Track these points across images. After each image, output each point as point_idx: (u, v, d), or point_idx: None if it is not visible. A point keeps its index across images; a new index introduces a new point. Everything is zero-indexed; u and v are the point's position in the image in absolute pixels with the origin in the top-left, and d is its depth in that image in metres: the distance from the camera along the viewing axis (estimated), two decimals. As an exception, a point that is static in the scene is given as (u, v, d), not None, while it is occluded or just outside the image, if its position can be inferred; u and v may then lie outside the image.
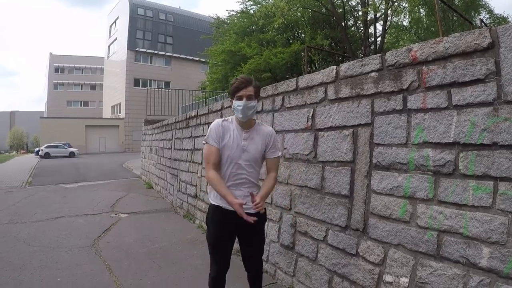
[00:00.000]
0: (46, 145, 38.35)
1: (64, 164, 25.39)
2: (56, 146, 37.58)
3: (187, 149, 7.16)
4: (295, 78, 3.54)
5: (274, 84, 3.88)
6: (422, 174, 2.30)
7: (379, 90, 2.63)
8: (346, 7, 16.74)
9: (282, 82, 3.80)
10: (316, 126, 3.21)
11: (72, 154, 36.77)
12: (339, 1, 16.76)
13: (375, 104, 2.66)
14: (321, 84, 3.19)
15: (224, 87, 19.21)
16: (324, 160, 3.10)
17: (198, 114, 6.65)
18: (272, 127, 3.88)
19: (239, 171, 2.48)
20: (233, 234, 2.58)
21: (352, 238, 2.79)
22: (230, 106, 5.09)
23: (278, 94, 3.80)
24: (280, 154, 2.66)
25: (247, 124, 2.52)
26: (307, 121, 3.32)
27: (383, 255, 2.51)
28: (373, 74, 2.69)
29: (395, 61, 2.51)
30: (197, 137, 6.59)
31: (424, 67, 2.31)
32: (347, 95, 2.90)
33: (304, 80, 3.40)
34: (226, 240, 2.55)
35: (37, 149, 44.21)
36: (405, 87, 2.43)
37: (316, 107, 3.23)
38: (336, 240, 2.94)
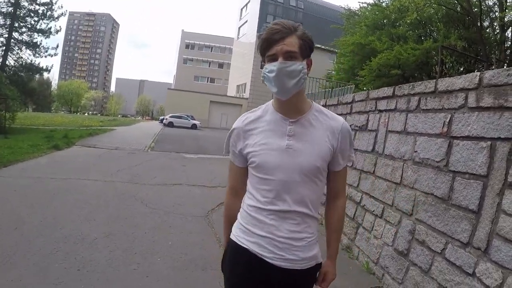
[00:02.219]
0: (170, 114, 43.17)
1: (186, 135, 28.22)
2: (180, 117, 42.02)
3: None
4: (434, 80, 3.70)
5: (411, 84, 4.07)
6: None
7: (525, 103, 2.68)
8: (482, 6, 15.91)
9: (420, 82, 3.97)
10: (451, 133, 3.34)
11: (194, 126, 40.80)
12: (475, 0, 16.04)
13: (518, 118, 2.71)
14: (461, 89, 3.30)
15: (350, 78, 19.83)
16: (456, 170, 3.23)
17: (327, 104, 7.04)
18: (405, 128, 4.08)
19: (283, 192, 1.59)
20: None
21: (471, 257, 2.91)
22: (363, 100, 5.37)
23: (414, 95, 3.98)
24: (351, 162, 1.81)
25: (293, 108, 1.65)
26: (443, 126, 3.46)
27: (501, 281, 2.60)
28: (520, 85, 2.73)
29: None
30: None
31: None
32: (488, 105, 2.97)
33: (444, 83, 3.53)
34: None
35: (161, 117, 50.16)
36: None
37: (454, 113, 3.35)
38: (454, 255, 3.08)
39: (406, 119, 4.07)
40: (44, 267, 3.75)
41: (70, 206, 6.12)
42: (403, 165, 4.06)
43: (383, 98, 4.78)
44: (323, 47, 42.17)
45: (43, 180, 7.92)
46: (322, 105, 7.24)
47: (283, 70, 1.52)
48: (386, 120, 4.60)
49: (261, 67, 1.63)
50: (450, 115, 3.41)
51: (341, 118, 1.73)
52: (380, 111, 4.84)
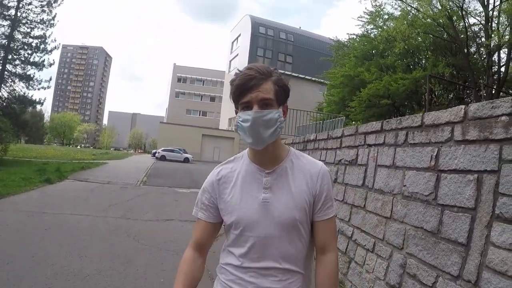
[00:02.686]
0: (163, 148, 43.40)
1: (178, 168, 28.17)
2: (172, 150, 42.17)
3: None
4: (420, 114, 3.82)
5: (399, 118, 4.19)
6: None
7: (509, 136, 2.76)
8: (468, 33, 16.47)
9: (407, 116, 4.09)
10: (439, 166, 3.43)
11: (186, 160, 40.90)
12: (461, 27, 16.58)
13: (503, 151, 2.78)
14: (447, 123, 3.41)
15: (341, 110, 20.13)
16: (444, 203, 3.30)
17: (317, 138, 7.15)
18: (393, 162, 4.18)
19: (262, 248, 1.49)
20: None
21: (462, 290, 2.95)
22: (352, 134, 5.50)
23: (402, 129, 4.10)
24: (335, 211, 1.63)
25: (268, 157, 1.55)
26: (430, 160, 3.56)
27: (492, 312, 2.64)
28: (503, 117, 2.81)
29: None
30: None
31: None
32: (474, 138, 3.07)
33: (430, 117, 3.65)
34: None
35: (154, 150, 50.35)
36: (539, 137, 2.56)
37: (441, 146, 3.45)
38: (445, 288, 3.11)
39: (395, 154, 4.18)
40: (35, 305, 3.71)
41: (62, 242, 6.08)
42: (392, 199, 4.13)
43: (372, 132, 4.90)
44: (313, 79, 43.12)
45: (35, 214, 7.88)
46: (313, 139, 7.43)
47: (259, 120, 1.42)
48: (375, 155, 4.70)
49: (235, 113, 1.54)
50: (437, 149, 3.50)
51: (319, 163, 1.63)
52: (369, 145, 4.94)
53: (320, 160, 6.46)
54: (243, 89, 1.45)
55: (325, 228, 1.57)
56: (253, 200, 1.51)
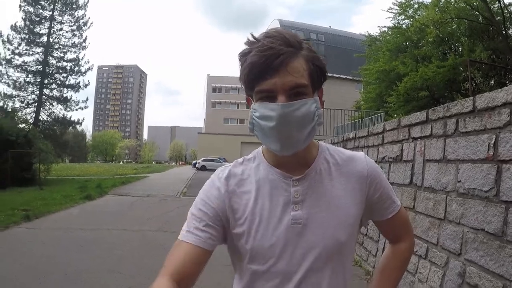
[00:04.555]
0: (203, 158, 44.03)
1: (218, 178, 28.28)
2: (212, 160, 42.74)
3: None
4: (471, 98, 3.36)
5: (446, 105, 3.74)
6: None
7: None
8: (505, 14, 15.68)
9: (455, 102, 3.64)
10: (498, 156, 2.99)
11: (226, 169, 41.23)
12: (497, 8, 15.86)
13: None
14: (505, 104, 2.94)
15: (379, 106, 19.74)
16: (509, 199, 2.86)
17: (357, 136, 6.77)
18: (444, 156, 3.74)
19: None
20: None
21: (538, 302, 2.51)
22: (394, 128, 5.07)
23: (450, 116, 3.64)
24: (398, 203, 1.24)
25: (296, 159, 1.08)
26: (488, 150, 3.11)
27: None
28: None
29: None
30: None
31: None
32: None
33: (483, 99, 3.19)
34: None
35: (194, 161, 51.19)
36: None
37: (499, 133, 3.00)
38: (516, 300, 2.67)
39: (445, 146, 3.73)
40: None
41: (96, 258, 6.04)
42: (446, 197, 3.69)
43: (416, 124, 4.46)
44: (349, 77, 42.58)
45: (72, 231, 7.94)
46: (352, 138, 7.01)
47: (289, 117, 0.96)
48: (422, 148, 4.26)
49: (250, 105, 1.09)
50: (494, 136, 3.05)
51: (361, 154, 1.19)
52: (415, 138, 4.50)
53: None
54: (262, 69, 0.95)
55: (391, 224, 1.23)
56: (278, 221, 1.05)
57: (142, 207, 12.30)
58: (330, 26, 56.13)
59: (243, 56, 1.00)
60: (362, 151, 6.20)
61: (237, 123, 78.07)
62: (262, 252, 1.05)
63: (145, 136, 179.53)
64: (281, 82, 0.95)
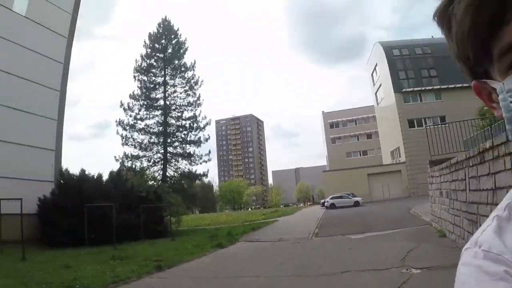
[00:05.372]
0: (331, 196, 42.95)
1: (349, 214, 27.19)
2: (340, 197, 41.48)
3: (486, 189, 6.54)
4: None
5: None
6: None
7: None
8: None
9: None
10: None
11: (356, 203, 39.75)
12: None
13: None
14: None
15: None
16: None
17: (494, 144, 6.11)
18: None
19: None
20: None
21: None
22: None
23: None
24: None
25: None
26: None
27: None
28: None
29: None
30: (497, 172, 5.93)
31: None
32: None
33: None
34: None
35: (322, 200, 50.31)
36: None
37: None
38: None
39: None
40: None
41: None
42: None
43: None
44: (465, 85, 38.99)
45: (203, 280, 7.87)
46: (489, 147, 6.29)
47: None
48: None
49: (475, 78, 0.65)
50: None
51: None
52: None
53: (504, 168, 4.92)
54: (499, 5, 0.48)
55: None
56: None
57: (274, 252, 12.16)
58: (432, 36, 52.02)
59: (445, 8, 0.57)
60: (504, 160, 5.11)
61: (360, 155, 76.11)
62: None
63: (270, 180, 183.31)
64: None
